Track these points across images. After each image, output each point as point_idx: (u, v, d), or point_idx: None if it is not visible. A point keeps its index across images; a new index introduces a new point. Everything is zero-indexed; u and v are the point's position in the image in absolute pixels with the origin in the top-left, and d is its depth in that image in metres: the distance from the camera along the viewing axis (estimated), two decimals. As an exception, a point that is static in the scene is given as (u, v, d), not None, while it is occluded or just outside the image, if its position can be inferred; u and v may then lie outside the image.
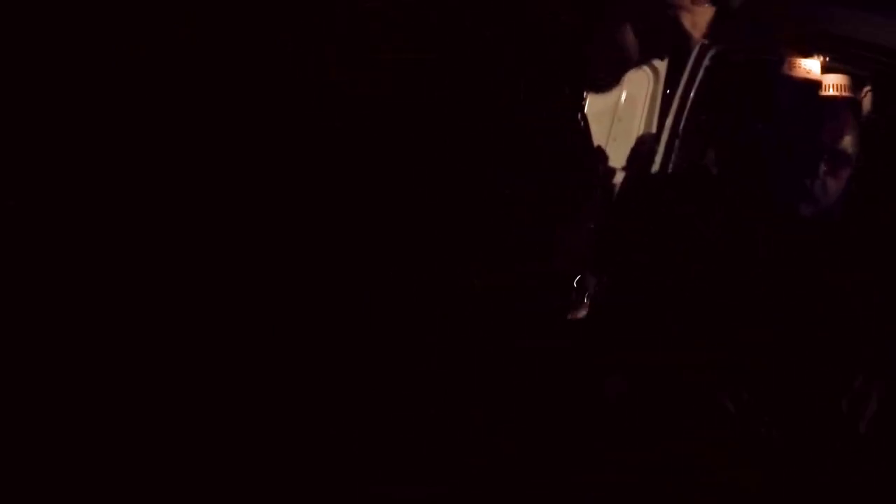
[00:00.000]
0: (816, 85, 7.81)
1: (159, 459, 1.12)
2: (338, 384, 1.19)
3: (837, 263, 2.74)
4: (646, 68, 6.63)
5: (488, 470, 1.87)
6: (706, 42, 6.93)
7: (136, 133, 1.00)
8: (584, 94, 5.57)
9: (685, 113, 7.07)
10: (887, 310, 2.62)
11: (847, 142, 2.86)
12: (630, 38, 1.30)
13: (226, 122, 0.98)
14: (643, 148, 6.83)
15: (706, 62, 7.00)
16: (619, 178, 6.57)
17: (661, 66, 6.77)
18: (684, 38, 1.29)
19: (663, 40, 1.34)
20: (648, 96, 6.86)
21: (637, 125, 6.86)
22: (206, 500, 1.29)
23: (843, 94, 8.08)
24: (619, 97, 6.38)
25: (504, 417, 1.90)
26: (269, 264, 1.04)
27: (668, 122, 7.00)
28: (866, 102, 7.71)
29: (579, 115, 2.52)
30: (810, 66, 7.88)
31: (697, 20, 1.26)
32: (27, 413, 1.13)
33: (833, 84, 8.10)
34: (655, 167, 6.85)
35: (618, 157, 6.61)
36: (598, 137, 6.16)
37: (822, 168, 2.82)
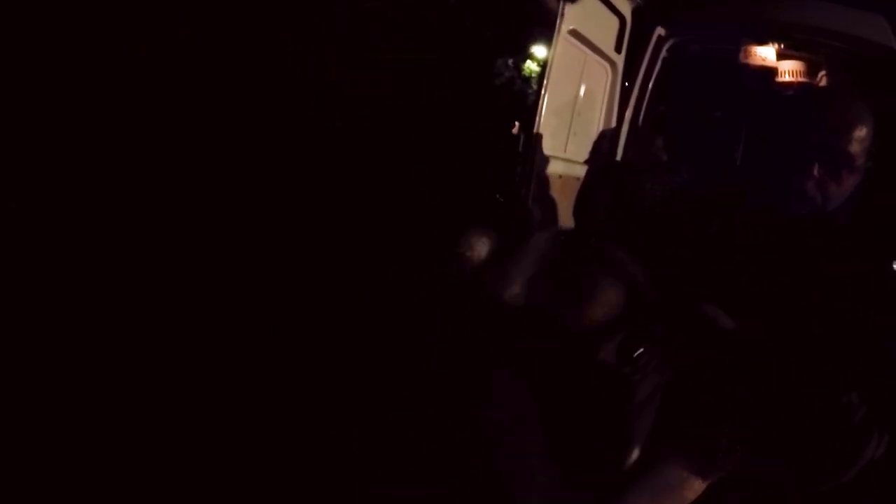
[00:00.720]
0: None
1: (159, 459, 1.10)
2: (338, 384, 1.17)
3: (830, 254, 2.70)
4: (603, 61, 6.64)
5: (488, 470, 1.85)
6: (663, 33, 6.99)
7: (137, 132, 0.97)
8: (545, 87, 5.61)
9: (644, 104, 7.12)
10: (883, 303, 2.58)
11: (837, 138, 2.75)
12: None
13: (226, 122, 0.96)
14: (604, 142, 6.86)
15: (663, 53, 7.05)
16: (581, 171, 6.59)
17: (619, 58, 6.80)
18: None
19: None
20: (607, 90, 6.87)
21: (597, 119, 6.87)
22: (206, 499, 1.26)
23: (799, 79, 8.21)
24: (578, 91, 6.38)
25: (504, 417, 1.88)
26: (270, 263, 1.01)
27: (628, 114, 7.03)
28: (822, 83, 7.83)
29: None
30: (766, 54, 8.00)
31: None
32: (28, 412, 1.10)
33: (789, 70, 8.23)
34: (617, 158, 6.89)
35: (579, 152, 6.61)
36: (558, 132, 6.19)
37: (814, 165, 2.73)
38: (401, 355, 1.35)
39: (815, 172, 2.65)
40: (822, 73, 7.94)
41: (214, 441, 1.14)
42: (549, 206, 6.08)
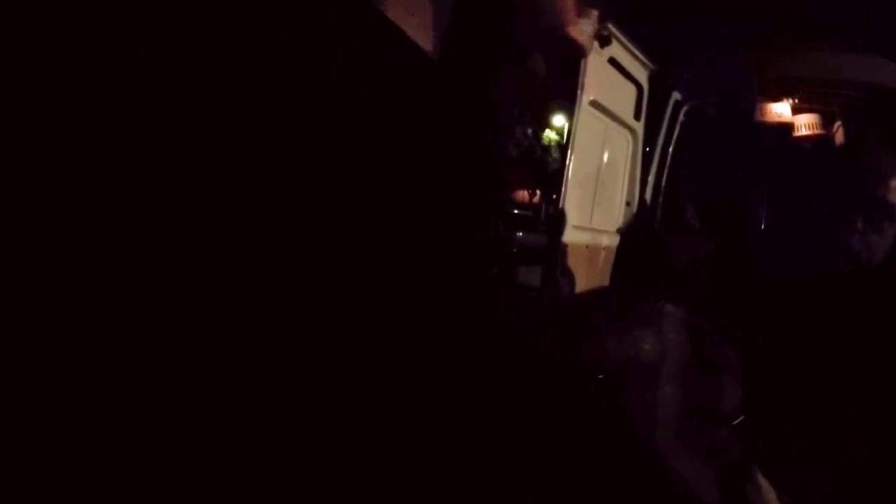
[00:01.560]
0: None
1: (160, 461, 1.12)
2: (341, 387, 1.19)
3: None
4: (623, 129, 6.73)
5: (489, 470, 1.86)
6: (679, 98, 7.08)
7: (137, 134, 1.02)
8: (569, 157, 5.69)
9: (666, 170, 7.19)
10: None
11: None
12: (538, 60, 1.36)
13: (226, 123, 1.00)
14: (631, 211, 6.93)
15: (681, 118, 7.14)
16: (607, 241, 6.64)
17: (638, 126, 6.88)
18: (577, 47, 1.37)
19: (562, 52, 1.42)
20: (629, 157, 6.95)
21: (620, 187, 6.94)
22: (206, 500, 1.27)
23: (816, 131, 8.27)
24: (601, 161, 6.46)
25: (506, 419, 1.89)
26: (272, 266, 1.05)
27: (651, 179, 7.11)
28: (839, 136, 7.87)
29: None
30: (781, 110, 8.07)
31: (584, 29, 1.36)
32: (27, 413, 1.13)
33: (805, 123, 8.29)
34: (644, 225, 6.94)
35: (604, 221, 6.67)
36: (584, 203, 6.25)
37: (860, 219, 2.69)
38: (405, 358, 1.35)
39: (859, 226, 2.61)
40: (838, 123, 8.00)
41: (215, 442, 1.15)
42: (578, 276, 6.12)
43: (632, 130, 6.86)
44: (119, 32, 1.09)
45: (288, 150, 1.04)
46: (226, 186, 1.04)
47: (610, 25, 5.81)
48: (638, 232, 6.54)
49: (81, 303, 1.10)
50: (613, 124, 6.53)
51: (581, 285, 6.21)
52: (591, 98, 5.82)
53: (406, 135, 1.08)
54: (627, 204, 6.97)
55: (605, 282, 6.45)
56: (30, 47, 1.11)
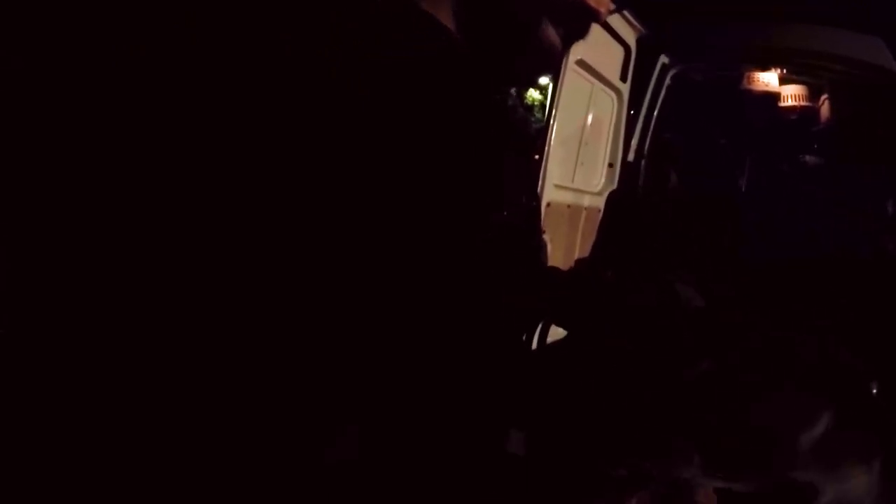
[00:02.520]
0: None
1: (159, 462, 1.10)
2: (343, 389, 1.17)
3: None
4: (609, 90, 6.68)
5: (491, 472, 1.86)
6: (667, 61, 7.05)
7: (136, 134, 1.00)
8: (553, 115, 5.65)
9: (649, 133, 7.16)
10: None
11: None
12: (552, 32, 1.33)
13: (225, 123, 0.98)
14: (614, 173, 6.91)
15: (667, 81, 7.10)
16: (589, 201, 6.63)
17: (624, 87, 6.84)
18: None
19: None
20: (614, 119, 6.91)
21: (604, 148, 6.90)
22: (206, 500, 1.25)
23: (801, 103, 8.28)
24: (586, 121, 6.42)
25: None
26: (272, 269, 1.02)
27: (634, 142, 7.07)
28: (825, 110, 7.88)
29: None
30: (768, 79, 8.07)
31: None
32: (25, 415, 1.11)
33: (791, 94, 8.30)
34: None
35: (586, 181, 6.64)
36: (566, 162, 6.22)
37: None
38: (406, 361, 1.33)
39: (890, 209, 2.55)
40: (824, 96, 8.01)
41: (214, 444, 1.13)
42: (559, 235, 6.11)
43: (617, 92, 6.82)
44: (118, 32, 1.05)
45: (287, 143, 1.01)
46: (227, 189, 1.01)
47: None
48: (620, 195, 6.52)
49: (76, 302, 1.08)
50: (599, 85, 6.48)
51: (563, 245, 6.20)
52: (578, 57, 5.76)
53: (411, 133, 1.05)
54: (610, 165, 6.95)
55: (587, 243, 6.43)
56: (28, 46, 1.08)
